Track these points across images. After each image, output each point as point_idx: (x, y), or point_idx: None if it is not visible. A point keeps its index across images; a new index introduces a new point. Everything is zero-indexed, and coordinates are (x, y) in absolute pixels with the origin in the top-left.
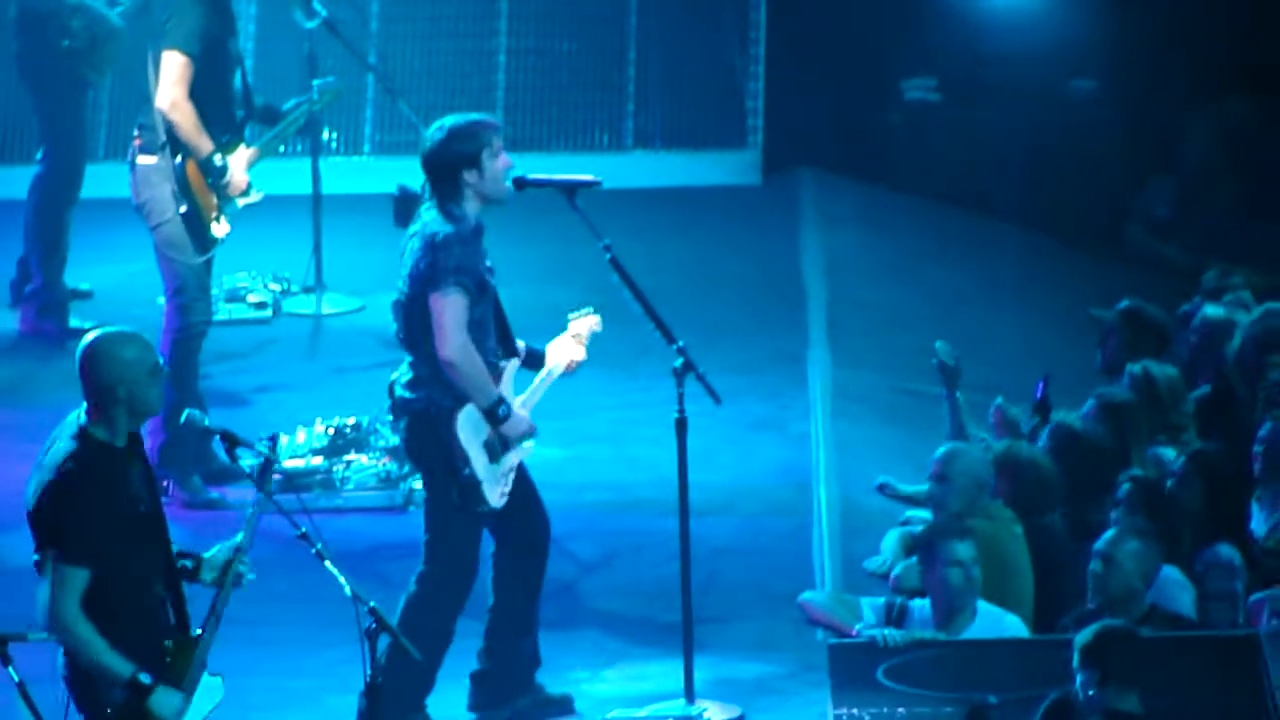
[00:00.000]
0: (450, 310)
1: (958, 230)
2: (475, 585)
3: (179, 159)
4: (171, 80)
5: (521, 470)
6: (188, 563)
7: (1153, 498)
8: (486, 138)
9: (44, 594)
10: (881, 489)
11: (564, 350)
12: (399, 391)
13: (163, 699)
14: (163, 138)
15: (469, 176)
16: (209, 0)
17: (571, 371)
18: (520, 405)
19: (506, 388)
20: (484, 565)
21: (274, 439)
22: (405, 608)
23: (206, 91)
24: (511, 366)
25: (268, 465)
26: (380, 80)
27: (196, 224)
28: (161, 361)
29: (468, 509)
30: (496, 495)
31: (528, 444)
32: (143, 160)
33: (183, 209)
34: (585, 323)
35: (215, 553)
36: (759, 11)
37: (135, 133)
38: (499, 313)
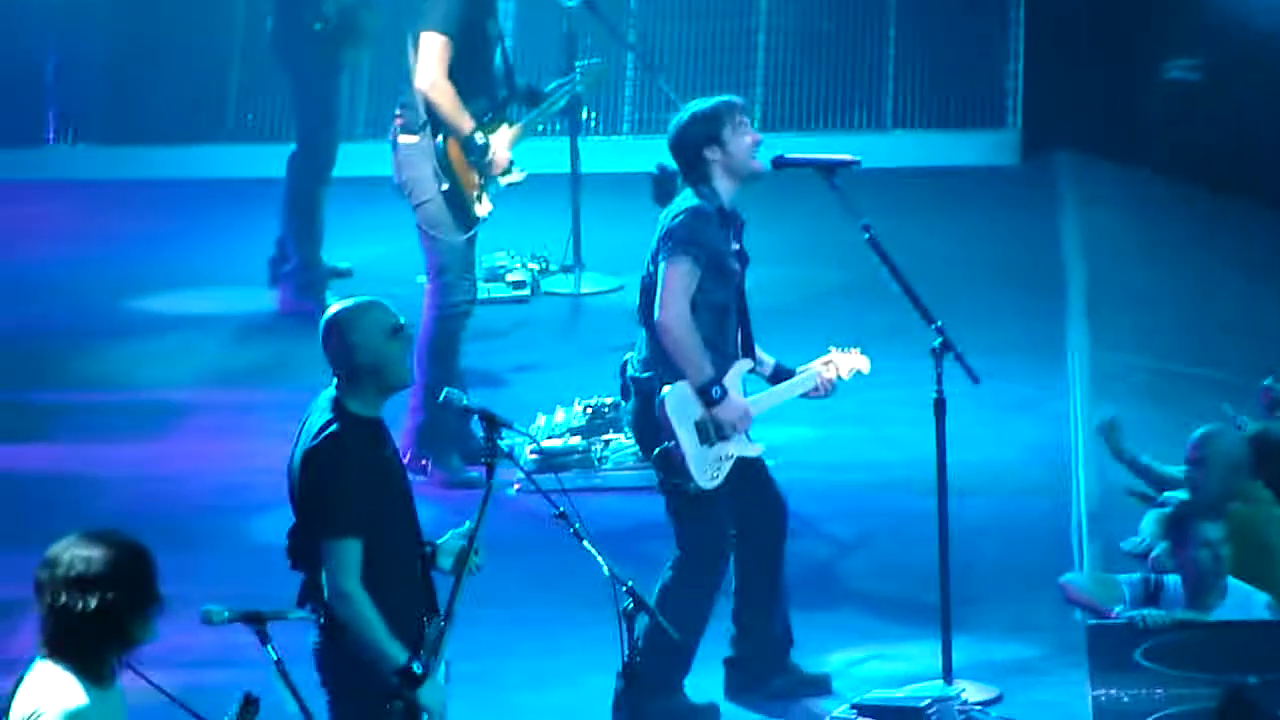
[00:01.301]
0: (675, 277)
1: (1217, 212)
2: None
3: (440, 138)
4: (430, 61)
5: (755, 459)
6: (425, 549)
7: None
8: (727, 116)
9: (325, 572)
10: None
11: (820, 369)
12: (630, 370)
13: (432, 691)
14: (423, 117)
15: (711, 154)
16: None
17: (819, 396)
18: (749, 401)
19: (732, 380)
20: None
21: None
22: (660, 590)
23: (465, 71)
24: (743, 365)
25: (493, 450)
26: (640, 59)
27: (458, 203)
28: (402, 321)
29: (672, 483)
30: (706, 478)
31: (757, 445)
32: (404, 140)
33: (444, 188)
34: (847, 360)
35: (449, 539)
36: None
37: (397, 112)
38: (743, 308)
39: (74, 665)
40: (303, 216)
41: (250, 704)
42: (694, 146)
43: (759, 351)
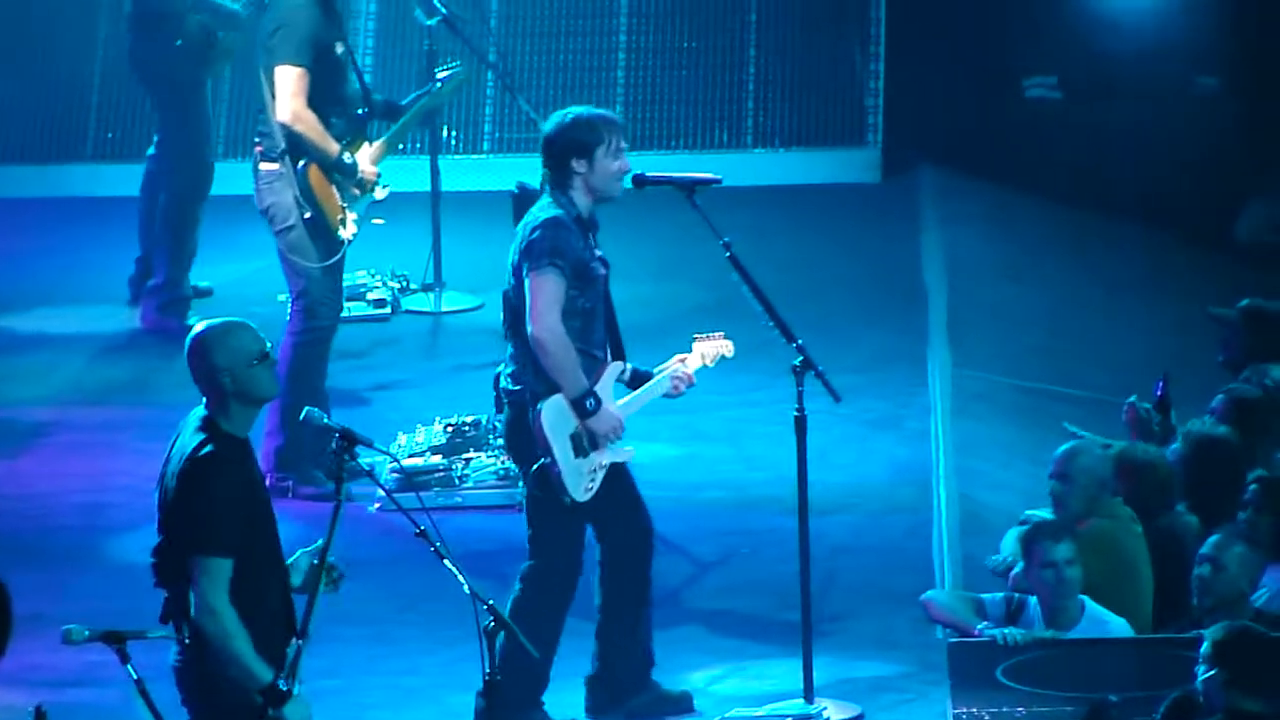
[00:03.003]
0: (543, 290)
1: (1078, 228)
2: (584, 585)
3: (300, 164)
4: (289, 93)
5: (623, 470)
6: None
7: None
8: (606, 134)
9: (194, 589)
10: None
11: (676, 366)
12: (503, 382)
13: (296, 708)
14: (282, 145)
15: (578, 166)
16: (314, 7)
17: (678, 393)
18: (619, 405)
19: (604, 386)
20: (591, 567)
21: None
22: (513, 604)
23: (322, 97)
24: (615, 368)
25: (341, 468)
26: (500, 77)
27: (322, 229)
28: (269, 347)
29: (548, 498)
30: (581, 490)
31: (627, 449)
32: (264, 167)
33: (307, 215)
34: (712, 345)
35: (298, 557)
36: (879, 9)
37: (256, 140)
38: (610, 312)
39: None
40: (176, 236)
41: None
42: (564, 153)
43: None
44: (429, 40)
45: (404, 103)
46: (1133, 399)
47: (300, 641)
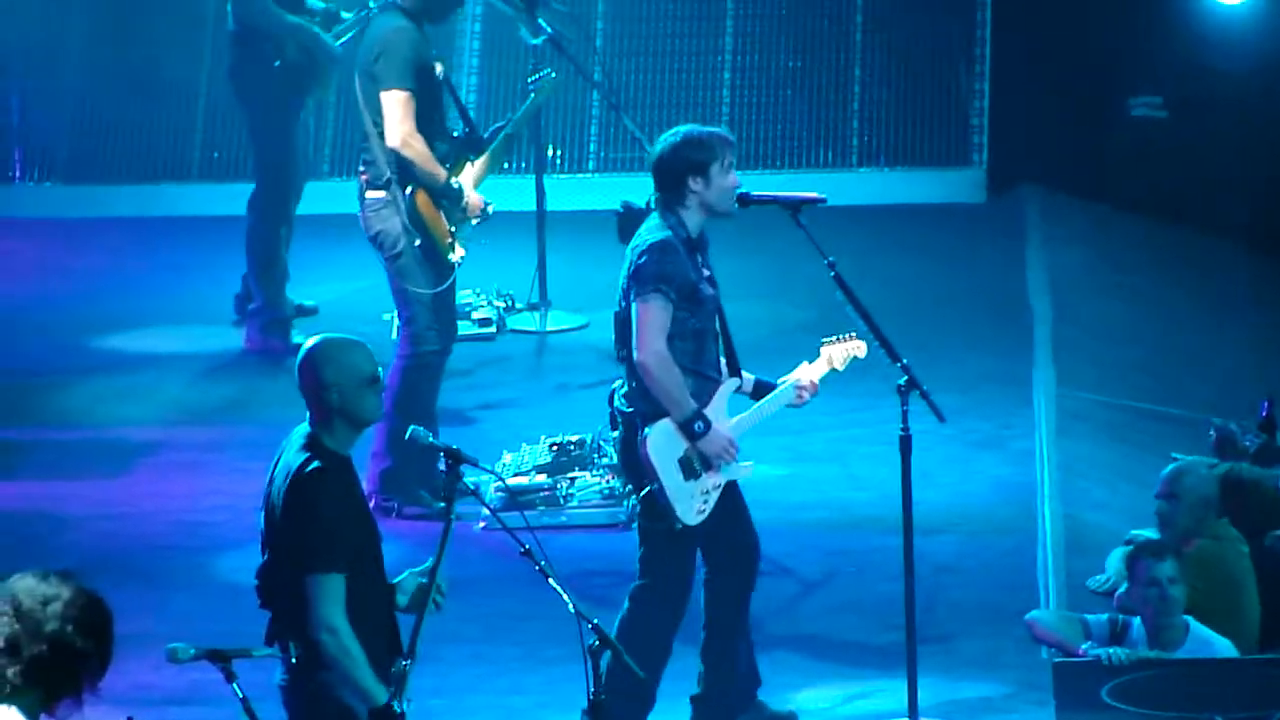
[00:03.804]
0: (648, 316)
1: (1183, 248)
2: (692, 604)
3: (408, 191)
4: (397, 118)
5: (731, 487)
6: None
7: None
8: (719, 151)
9: (311, 608)
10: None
11: (801, 375)
12: (616, 402)
13: None
14: (387, 173)
15: (694, 184)
16: (413, 29)
17: (802, 402)
18: (733, 423)
19: (718, 405)
20: (698, 585)
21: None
22: (621, 624)
23: (425, 119)
24: (729, 385)
25: (452, 488)
26: (605, 97)
27: (433, 255)
28: (380, 371)
29: (656, 523)
30: (692, 513)
31: (745, 465)
32: (370, 194)
33: (417, 243)
34: (842, 348)
35: (406, 577)
36: (985, 29)
37: (361, 169)
38: (724, 330)
39: (36, 704)
40: (264, 256)
41: None
42: (679, 172)
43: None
44: (534, 60)
45: (486, 134)
46: (1217, 421)
47: (408, 662)
